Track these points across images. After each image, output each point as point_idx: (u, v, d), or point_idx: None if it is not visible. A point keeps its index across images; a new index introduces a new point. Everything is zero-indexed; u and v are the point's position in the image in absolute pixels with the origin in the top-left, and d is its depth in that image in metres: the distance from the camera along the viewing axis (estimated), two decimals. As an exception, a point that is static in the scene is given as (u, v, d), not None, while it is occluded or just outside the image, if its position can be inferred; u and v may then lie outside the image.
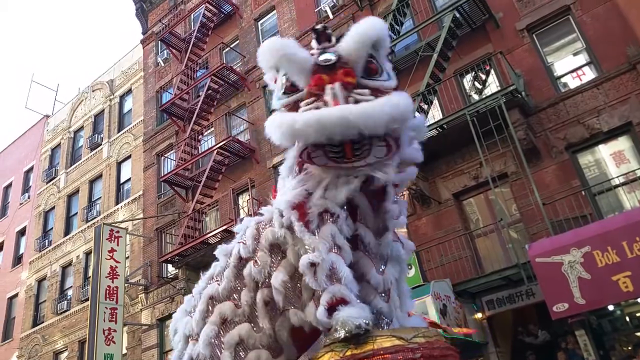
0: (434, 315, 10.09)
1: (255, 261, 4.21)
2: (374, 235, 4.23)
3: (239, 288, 4.38)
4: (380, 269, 4.10)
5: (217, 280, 4.60)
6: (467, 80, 13.99)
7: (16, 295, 25.14)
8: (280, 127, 3.61)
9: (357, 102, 3.56)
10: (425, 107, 13.33)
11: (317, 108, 3.55)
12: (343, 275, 3.73)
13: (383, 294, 4.02)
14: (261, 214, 4.49)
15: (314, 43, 4.04)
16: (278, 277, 4.06)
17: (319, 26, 4.12)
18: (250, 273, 4.26)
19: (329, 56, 3.80)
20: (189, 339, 4.56)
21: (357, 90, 3.61)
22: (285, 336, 4.10)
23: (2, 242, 27.45)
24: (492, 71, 13.52)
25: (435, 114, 13.88)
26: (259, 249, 4.25)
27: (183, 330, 4.67)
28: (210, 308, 4.50)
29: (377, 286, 4.00)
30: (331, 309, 3.60)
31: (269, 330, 4.16)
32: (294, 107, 3.75)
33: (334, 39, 4.05)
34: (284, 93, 3.87)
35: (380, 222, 4.18)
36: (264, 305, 4.18)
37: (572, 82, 12.56)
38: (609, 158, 11.72)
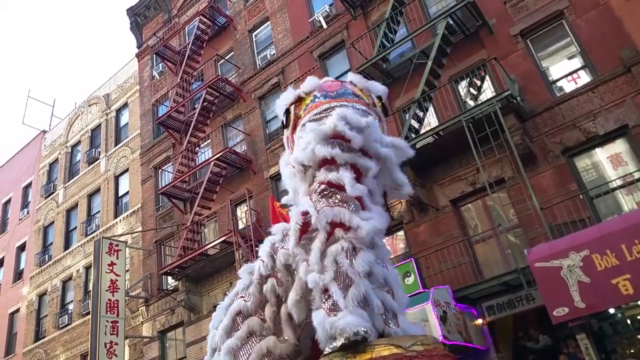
0: (434, 322, 10.07)
1: (279, 280, 4.43)
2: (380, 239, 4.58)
3: (262, 304, 4.65)
4: (386, 269, 4.31)
5: (243, 297, 4.91)
6: (462, 87, 14.03)
7: (17, 310, 25.08)
8: None
9: None
10: (421, 114, 13.38)
11: None
12: (374, 304, 3.91)
13: (390, 292, 4.22)
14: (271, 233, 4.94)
15: None
16: (291, 297, 4.31)
17: None
18: (273, 289, 4.57)
19: None
20: (215, 352, 4.84)
21: None
22: (310, 344, 4.30)
23: (3, 257, 27.41)
24: (487, 77, 13.56)
25: (431, 120, 13.92)
26: (278, 269, 4.50)
27: (210, 344, 5.00)
28: (235, 324, 4.83)
29: (390, 287, 4.21)
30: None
31: (293, 340, 4.37)
32: None
33: None
34: None
35: None
36: (289, 317, 4.42)
37: (568, 86, 12.59)
38: (606, 161, 11.73)
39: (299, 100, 5.07)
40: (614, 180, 11.36)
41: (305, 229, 4.30)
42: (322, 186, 4.41)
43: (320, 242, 4.15)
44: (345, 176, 4.35)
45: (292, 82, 17.49)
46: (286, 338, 4.49)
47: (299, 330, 4.44)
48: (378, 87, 5.24)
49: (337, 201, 4.27)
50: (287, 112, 5.12)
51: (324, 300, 3.94)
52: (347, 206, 4.25)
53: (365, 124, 4.51)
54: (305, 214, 4.31)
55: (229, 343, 4.63)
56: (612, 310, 10.43)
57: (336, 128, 4.42)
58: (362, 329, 3.62)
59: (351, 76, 5.32)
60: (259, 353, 4.49)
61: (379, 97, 5.10)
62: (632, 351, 10.59)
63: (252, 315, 4.69)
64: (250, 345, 4.57)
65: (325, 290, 3.96)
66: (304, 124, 4.84)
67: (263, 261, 4.75)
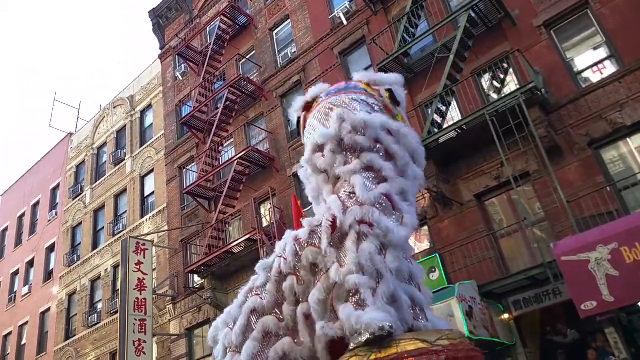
0: (459, 318, 10.02)
1: (300, 279, 4.34)
2: None
3: (279, 302, 4.52)
4: (409, 261, 4.32)
5: (258, 294, 4.74)
6: (486, 80, 13.88)
7: (48, 309, 25.63)
8: None
9: None
10: (444, 108, 13.27)
11: None
12: (402, 300, 3.90)
13: (417, 286, 4.21)
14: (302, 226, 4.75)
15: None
16: (314, 296, 4.20)
17: None
18: (292, 288, 4.42)
19: None
20: (228, 350, 4.70)
21: None
22: (321, 348, 4.18)
23: (33, 258, 28.03)
24: (511, 69, 13.39)
25: (454, 115, 13.80)
26: (301, 268, 4.38)
27: (223, 341, 4.84)
28: (251, 322, 4.64)
29: (417, 282, 4.21)
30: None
31: (308, 343, 4.27)
32: None
33: None
34: None
35: None
36: (305, 319, 4.31)
37: (593, 77, 12.37)
38: (634, 152, 11.51)
39: (307, 107, 5.41)
40: (643, 171, 11.15)
41: (335, 227, 4.26)
42: (348, 187, 4.43)
43: (352, 243, 4.11)
44: (357, 179, 4.45)
45: (313, 80, 17.53)
46: (302, 340, 4.35)
47: (314, 332, 4.30)
48: (387, 79, 5.37)
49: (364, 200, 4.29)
50: (299, 119, 5.54)
51: (351, 295, 3.91)
52: (377, 205, 4.25)
53: (362, 121, 4.71)
54: (334, 214, 4.31)
55: (248, 346, 4.46)
56: (641, 304, 10.23)
57: (341, 132, 4.71)
58: (387, 324, 3.62)
59: (357, 75, 5.65)
60: (274, 356, 4.36)
61: (388, 90, 5.13)
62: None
63: (267, 314, 4.55)
64: (267, 346, 4.42)
65: (357, 290, 3.92)
66: (309, 124, 5.24)
67: (284, 258, 4.57)
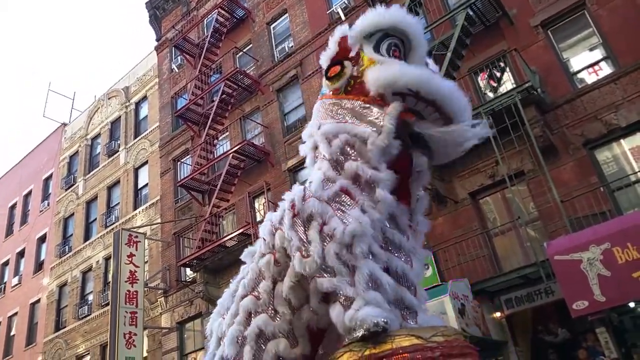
0: (452, 315, 10.04)
1: (277, 260, 4.28)
2: (403, 232, 4.29)
3: (259, 280, 4.46)
4: (409, 263, 4.14)
5: (244, 277, 4.71)
6: (482, 78, 13.90)
7: (38, 300, 25.52)
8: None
9: None
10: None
11: None
12: (383, 281, 3.77)
13: (412, 289, 4.07)
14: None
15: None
16: (287, 283, 4.15)
17: None
18: (268, 265, 4.35)
19: None
20: (221, 340, 4.63)
21: None
22: (302, 331, 4.17)
23: (24, 249, 27.89)
24: (507, 68, 13.42)
25: (450, 113, 13.78)
26: (277, 250, 4.32)
27: (216, 332, 4.77)
28: (237, 307, 4.59)
29: (410, 282, 4.06)
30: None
31: (288, 315, 4.21)
32: None
33: None
34: None
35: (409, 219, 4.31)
36: (282, 296, 4.24)
37: (589, 78, 12.42)
38: (628, 153, 11.57)
39: (356, 56, 4.26)
40: (636, 172, 11.21)
41: (296, 213, 4.14)
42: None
43: (316, 232, 3.95)
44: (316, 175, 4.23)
45: (310, 75, 17.50)
46: (279, 315, 4.21)
47: (295, 310, 4.26)
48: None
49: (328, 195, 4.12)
50: (342, 65, 4.29)
51: (337, 293, 3.86)
52: (333, 203, 4.05)
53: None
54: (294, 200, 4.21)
55: (232, 330, 4.37)
56: (632, 305, 10.28)
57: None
58: (382, 319, 3.58)
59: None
60: (251, 335, 4.22)
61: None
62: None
63: (248, 294, 4.44)
64: (248, 327, 4.31)
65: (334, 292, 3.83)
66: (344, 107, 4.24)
67: (264, 239, 4.48)
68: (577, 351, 10.69)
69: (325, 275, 3.88)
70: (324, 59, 4.45)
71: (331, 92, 4.37)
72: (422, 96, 3.94)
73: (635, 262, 9.15)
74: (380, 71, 4.01)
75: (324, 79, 4.51)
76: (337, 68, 4.28)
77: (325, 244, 3.92)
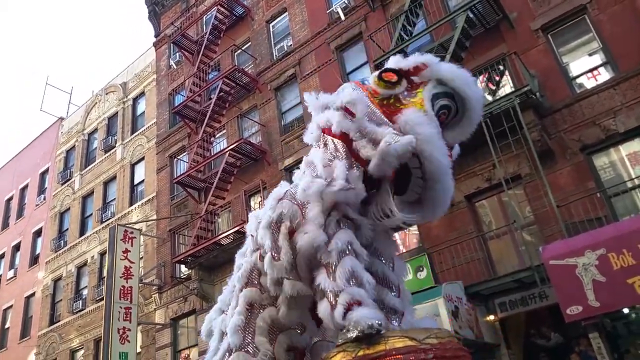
0: (445, 317, 10.05)
1: (262, 256, 4.39)
2: (384, 237, 4.35)
3: (255, 275, 4.56)
4: (390, 267, 4.19)
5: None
6: (481, 81, 13.90)
7: (33, 294, 25.46)
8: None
9: None
10: (438, 108, 13.26)
11: None
12: (364, 279, 3.81)
13: (395, 290, 4.12)
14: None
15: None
16: (269, 278, 4.34)
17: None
18: (255, 262, 4.49)
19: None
20: (224, 335, 4.70)
21: None
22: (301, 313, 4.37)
23: (19, 242, 27.83)
24: (506, 72, 13.41)
25: (448, 115, 13.78)
26: (260, 246, 4.45)
27: (219, 327, 4.85)
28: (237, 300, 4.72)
29: (389, 284, 4.09)
30: (348, 310, 3.65)
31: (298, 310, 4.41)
32: None
33: None
34: None
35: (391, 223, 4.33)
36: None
37: (588, 83, 12.42)
38: (625, 159, 11.58)
39: (415, 85, 4.30)
40: (633, 179, 11.22)
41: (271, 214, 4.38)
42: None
43: (284, 237, 4.15)
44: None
45: (308, 74, 17.48)
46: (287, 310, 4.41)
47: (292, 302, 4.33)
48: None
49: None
50: (400, 75, 4.24)
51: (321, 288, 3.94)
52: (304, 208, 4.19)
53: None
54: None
55: (233, 320, 4.50)
56: (626, 310, 10.33)
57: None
58: (377, 321, 3.61)
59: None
60: (263, 326, 4.37)
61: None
62: (645, 352, 10.50)
63: (246, 287, 4.60)
64: (252, 317, 4.45)
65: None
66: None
67: (252, 235, 4.71)
68: (570, 356, 10.72)
69: (290, 278, 4.15)
70: (395, 62, 4.37)
71: (371, 91, 4.32)
72: (425, 169, 4.13)
73: (631, 268, 9.16)
74: (416, 122, 4.02)
75: (375, 72, 4.46)
76: (394, 77, 4.21)
77: (294, 252, 4.10)
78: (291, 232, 4.14)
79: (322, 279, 3.87)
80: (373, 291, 3.88)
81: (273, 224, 4.24)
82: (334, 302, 3.76)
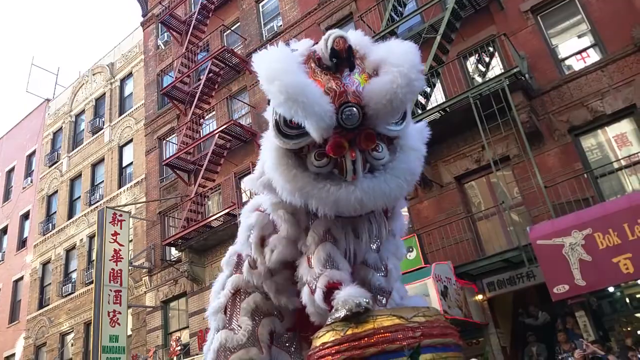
0: (434, 297, 10.16)
1: (249, 255, 4.47)
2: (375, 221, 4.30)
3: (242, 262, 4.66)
4: (373, 248, 4.19)
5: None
6: (471, 63, 13.89)
7: (21, 278, 25.36)
8: (293, 191, 3.61)
9: (372, 170, 3.56)
10: (428, 90, 13.27)
11: (331, 173, 3.53)
12: (340, 263, 3.86)
13: (381, 270, 4.16)
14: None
15: (329, 63, 3.52)
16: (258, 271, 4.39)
17: (336, 45, 3.46)
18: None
19: (352, 113, 3.32)
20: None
21: (374, 153, 3.53)
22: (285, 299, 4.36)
23: (6, 225, 27.62)
24: (496, 53, 13.42)
25: (438, 96, 13.81)
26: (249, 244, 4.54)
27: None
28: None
29: (374, 265, 4.14)
30: (328, 292, 3.69)
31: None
32: (299, 151, 3.63)
33: (357, 64, 3.54)
34: (288, 126, 3.58)
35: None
36: (269, 274, 4.48)
37: (577, 65, 12.47)
38: (612, 141, 11.68)
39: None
40: (619, 160, 11.34)
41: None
42: None
43: (257, 246, 4.26)
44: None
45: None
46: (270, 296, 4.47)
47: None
48: None
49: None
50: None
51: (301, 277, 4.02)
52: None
53: None
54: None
55: (214, 305, 4.62)
56: (611, 289, 10.50)
57: None
58: (364, 299, 3.63)
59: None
60: (247, 308, 4.44)
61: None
62: (629, 329, 10.70)
63: (234, 272, 4.70)
64: (236, 301, 4.54)
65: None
66: None
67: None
68: (557, 334, 10.89)
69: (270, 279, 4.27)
70: None
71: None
72: None
73: (616, 247, 9.31)
74: None
75: None
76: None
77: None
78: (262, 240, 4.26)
79: (303, 269, 3.96)
80: (350, 272, 3.93)
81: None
82: (313, 287, 3.82)
